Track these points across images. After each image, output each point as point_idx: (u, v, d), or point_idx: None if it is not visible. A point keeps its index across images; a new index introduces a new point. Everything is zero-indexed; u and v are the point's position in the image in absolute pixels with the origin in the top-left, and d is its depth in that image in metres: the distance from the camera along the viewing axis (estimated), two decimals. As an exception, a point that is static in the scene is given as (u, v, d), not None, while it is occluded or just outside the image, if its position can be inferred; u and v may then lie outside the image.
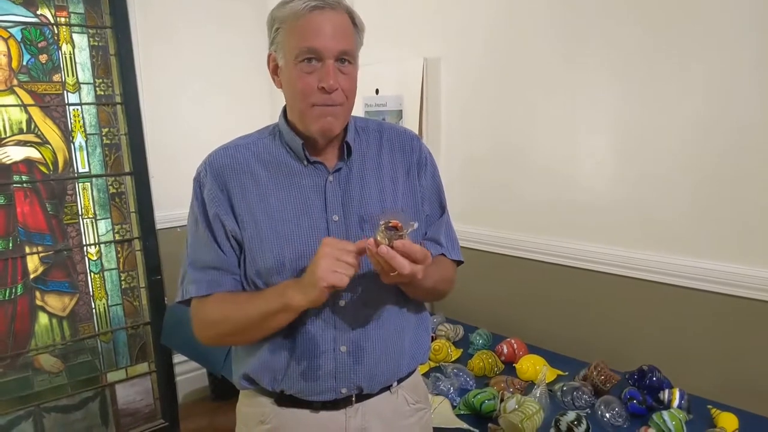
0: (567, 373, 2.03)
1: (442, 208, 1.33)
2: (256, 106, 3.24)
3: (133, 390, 2.81)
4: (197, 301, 1.16)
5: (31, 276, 2.50)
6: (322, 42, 1.06)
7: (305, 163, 1.17)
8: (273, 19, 1.12)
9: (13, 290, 2.46)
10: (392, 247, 0.98)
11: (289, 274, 1.12)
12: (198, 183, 1.19)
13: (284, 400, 1.19)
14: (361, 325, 1.17)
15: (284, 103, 1.20)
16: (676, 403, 1.73)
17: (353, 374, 1.16)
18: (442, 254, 1.29)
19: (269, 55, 1.17)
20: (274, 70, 1.17)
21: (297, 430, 1.19)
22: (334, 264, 1.00)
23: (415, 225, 1.02)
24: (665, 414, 1.63)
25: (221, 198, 1.15)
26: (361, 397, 1.19)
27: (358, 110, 2.93)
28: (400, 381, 1.25)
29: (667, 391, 1.77)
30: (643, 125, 2.01)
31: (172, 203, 2.74)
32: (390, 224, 0.99)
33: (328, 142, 1.18)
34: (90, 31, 2.57)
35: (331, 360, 1.15)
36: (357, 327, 1.16)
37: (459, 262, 1.34)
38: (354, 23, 1.13)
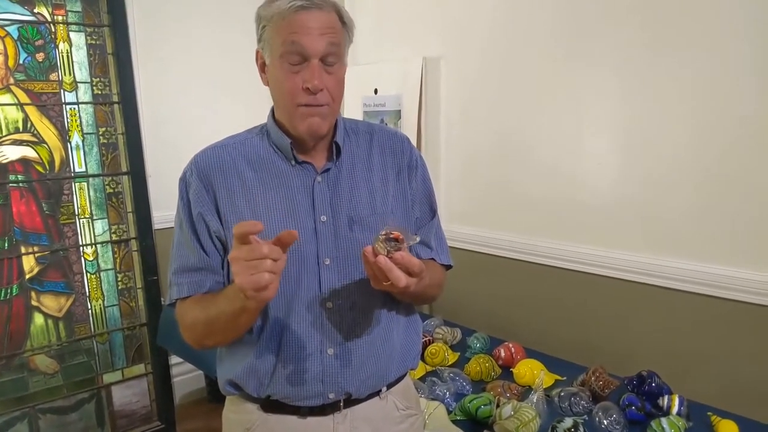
0: (565, 378, 2.00)
1: (433, 212, 1.30)
2: (255, 105, 3.19)
3: (129, 391, 2.79)
4: (180, 304, 1.15)
5: (27, 276, 2.48)
6: (307, 42, 1.04)
7: (293, 163, 1.15)
8: (260, 17, 1.10)
9: (9, 290, 2.45)
10: (390, 259, 0.95)
11: None
12: (184, 183, 1.17)
13: (271, 406, 1.16)
14: (349, 328, 1.14)
15: None
16: (675, 409, 1.70)
17: (341, 378, 1.14)
18: (432, 258, 1.26)
19: (257, 52, 1.16)
20: (262, 68, 1.16)
21: None
22: (246, 268, 0.88)
23: (417, 239, 1.00)
24: (664, 421, 1.61)
25: (206, 198, 1.13)
26: (349, 402, 1.17)
27: (356, 110, 2.91)
28: (389, 386, 1.23)
29: (666, 397, 1.75)
30: (645, 124, 1.99)
31: (170, 203, 2.66)
32: (391, 235, 0.96)
33: (316, 142, 1.16)
34: (87, 29, 2.55)
35: (318, 363, 1.13)
36: (344, 330, 1.14)
37: (448, 267, 1.31)
38: (342, 21, 1.10)
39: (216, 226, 1.12)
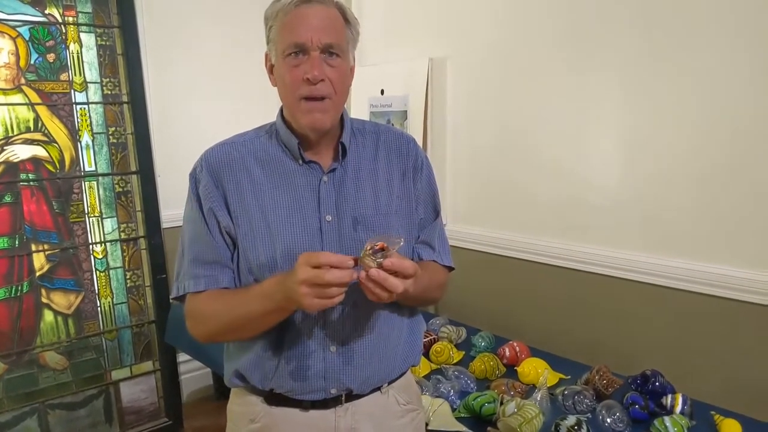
0: (569, 377, 2.00)
1: (436, 213, 1.31)
2: (264, 105, 3.21)
3: (137, 388, 2.82)
4: (191, 297, 1.16)
5: (37, 274, 2.52)
6: (307, 34, 1.05)
7: (300, 162, 1.16)
8: (266, 17, 1.12)
9: (19, 288, 2.48)
10: (381, 269, 0.96)
11: (280, 272, 1.11)
12: (194, 179, 1.19)
13: (274, 398, 1.18)
14: (352, 327, 1.16)
15: None
16: (678, 408, 1.70)
17: (343, 375, 1.16)
18: (433, 260, 1.27)
19: (266, 54, 1.17)
20: (270, 69, 1.17)
21: (287, 429, 1.18)
22: (316, 293, 0.96)
23: (402, 241, 1.00)
24: (667, 420, 1.61)
25: (216, 194, 1.15)
26: (351, 397, 1.19)
27: (363, 111, 2.93)
28: (390, 382, 1.24)
29: (669, 396, 1.75)
30: (647, 125, 1.99)
31: (178, 202, 2.68)
32: (376, 247, 0.97)
33: (323, 142, 1.17)
34: (97, 30, 2.59)
35: (320, 360, 1.14)
36: (347, 328, 1.15)
37: (450, 268, 1.33)
38: (345, 19, 1.11)
39: (226, 221, 1.14)
